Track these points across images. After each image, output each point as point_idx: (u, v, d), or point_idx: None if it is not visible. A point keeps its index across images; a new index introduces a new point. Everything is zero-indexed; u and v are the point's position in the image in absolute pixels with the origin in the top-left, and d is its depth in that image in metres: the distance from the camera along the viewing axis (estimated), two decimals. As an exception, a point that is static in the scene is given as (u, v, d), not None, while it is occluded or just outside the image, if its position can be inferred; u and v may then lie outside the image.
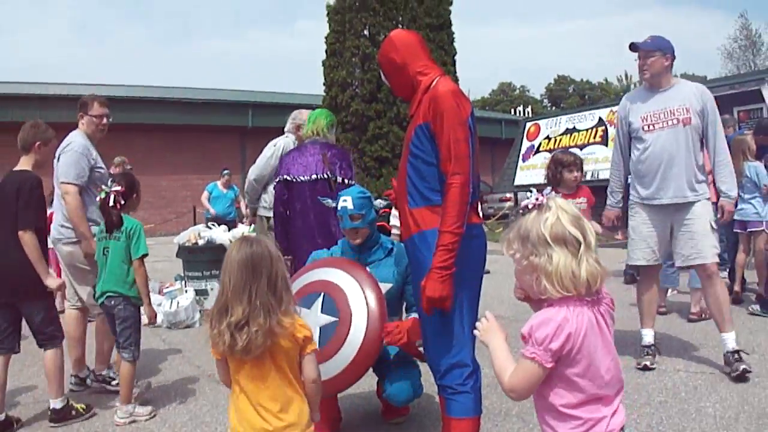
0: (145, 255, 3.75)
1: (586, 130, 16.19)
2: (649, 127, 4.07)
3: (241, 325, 1.98)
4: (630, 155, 4.23)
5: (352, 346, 2.93)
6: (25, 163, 3.82)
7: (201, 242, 7.10)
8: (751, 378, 3.79)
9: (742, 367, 3.74)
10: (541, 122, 18.22)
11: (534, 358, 1.59)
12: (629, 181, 4.31)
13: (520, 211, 1.71)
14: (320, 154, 4.65)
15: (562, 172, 4.43)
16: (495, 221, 15.02)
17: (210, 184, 11.81)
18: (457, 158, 2.38)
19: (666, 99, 4.05)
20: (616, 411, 1.65)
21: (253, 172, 5.29)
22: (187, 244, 7.09)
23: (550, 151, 16.25)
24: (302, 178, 4.62)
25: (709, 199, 4.05)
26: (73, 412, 3.69)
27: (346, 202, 3.28)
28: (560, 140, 16.99)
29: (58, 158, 4.18)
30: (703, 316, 5.35)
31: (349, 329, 2.95)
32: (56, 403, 3.65)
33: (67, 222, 4.17)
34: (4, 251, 3.60)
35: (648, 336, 4.25)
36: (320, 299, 3.04)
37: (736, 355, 3.83)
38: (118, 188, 3.73)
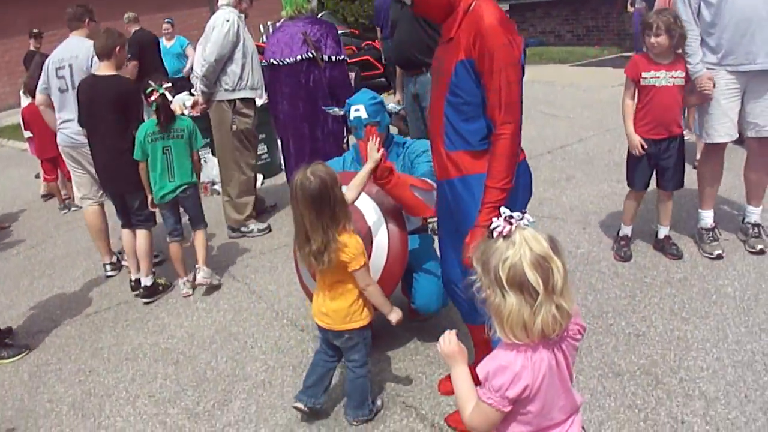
0: None
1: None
2: None
3: (321, 251, 2.41)
4: (699, 12, 3.56)
5: (375, 268, 2.87)
6: (109, 68, 4.12)
7: (186, 113, 6.80)
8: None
9: (760, 246, 3.72)
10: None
11: (491, 405, 1.50)
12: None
13: (488, 233, 1.49)
14: (301, 32, 4.26)
15: (646, 35, 3.62)
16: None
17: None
18: (507, 105, 2.12)
19: None
20: (568, 429, 1.61)
21: (212, 53, 4.68)
22: (173, 117, 6.76)
23: None
24: (287, 60, 4.29)
25: None
26: (160, 288, 4.28)
27: (359, 111, 3.08)
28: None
29: None
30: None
31: (371, 248, 2.88)
32: (147, 281, 4.20)
33: None
34: (112, 152, 4.09)
35: (710, 218, 3.90)
36: None
37: (757, 230, 3.79)
38: (169, 85, 4.09)
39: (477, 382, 1.60)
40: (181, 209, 4.22)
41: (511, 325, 1.44)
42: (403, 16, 4.45)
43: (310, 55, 4.27)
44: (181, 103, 6.82)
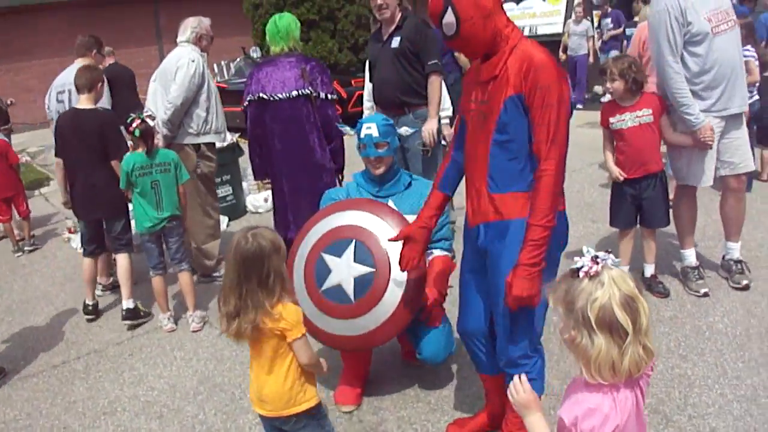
0: None
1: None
2: (715, 29, 3.53)
3: (233, 316, 2.14)
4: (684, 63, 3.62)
5: (393, 299, 2.79)
6: (89, 101, 4.25)
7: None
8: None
9: (745, 282, 3.81)
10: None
11: None
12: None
13: (570, 272, 1.48)
14: (298, 68, 4.19)
15: (604, 81, 3.81)
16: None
17: None
18: (554, 141, 2.10)
19: None
20: None
21: (179, 96, 4.50)
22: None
23: (516, 1, 15.65)
24: (280, 95, 4.19)
25: None
26: (141, 313, 4.32)
27: (370, 129, 3.04)
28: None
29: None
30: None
31: (388, 281, 2.79)
32: (129, 303, 4.25)
33: None
34: (92, 179, 4.20)
35: (693, 256, 3.97)
36: (352, 247, 2.83)
37: (740, 266, 3.89)
38: (150, 113, 4.20)
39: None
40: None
41: (599, 366, 1.41)
42: (383, 55, 4.44)
43: (307, 92, 4.20)
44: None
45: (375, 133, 3.02)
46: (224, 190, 6.52)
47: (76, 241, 5.96)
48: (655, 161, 3.79)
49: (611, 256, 1.47)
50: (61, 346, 4.11)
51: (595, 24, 13.40)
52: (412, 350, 3.32)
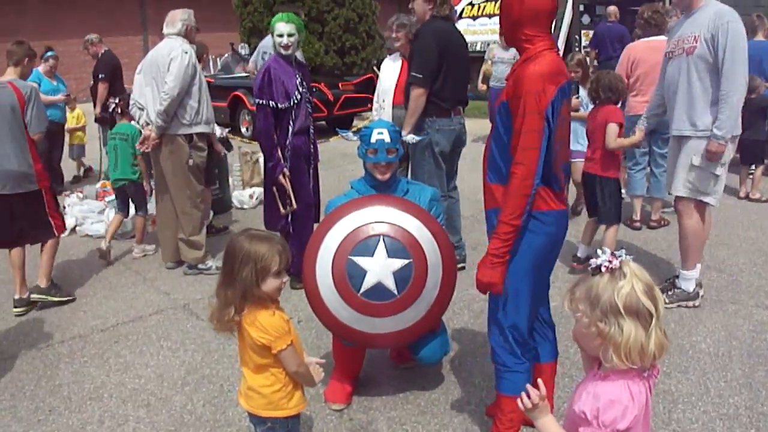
0: None
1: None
2: (668, 54, 3.90)
3: (219, 308, 2.14)
4: None
5: (435, 280, 2.84)
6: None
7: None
8: (727, 304, 4.06)
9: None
10: (465, -14, 17.51)
11: None
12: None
13: (590, 270, 1.60)
14: (304, 69, 4.38)
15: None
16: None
17: (33, 71, 6.41)
18: (523, 149, 2.26)
19: (688, 24, 3.83)
20: None
21: (175, 87, 4.52)
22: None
23: (473, 17, 15.80)
24: (298, 97, 4.33)
25: (704, 134, 3.77)
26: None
27: (382, 134, 3.08)
28: (484, 7, 16.45)
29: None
30: (662, 223, 5.59)
31: (426, 267, 2.82)
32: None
33: None
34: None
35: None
36: (381, 243, 2.81)
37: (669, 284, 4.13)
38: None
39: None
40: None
41: (629, 350, 1.51)
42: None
43: (311, 93, 4.42)
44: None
45: (387, 138, 3.05)
46: (211, 185, 6.47)
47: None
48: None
49: (623, 251, 1.60)
50: (44, 329, 4.05)
51: (583, 43, 13.45)
52: (401, 352, 3.36)
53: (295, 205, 4.39)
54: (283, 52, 4.36)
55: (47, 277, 4.41)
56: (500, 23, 2.47)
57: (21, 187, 4.14)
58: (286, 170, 4.31)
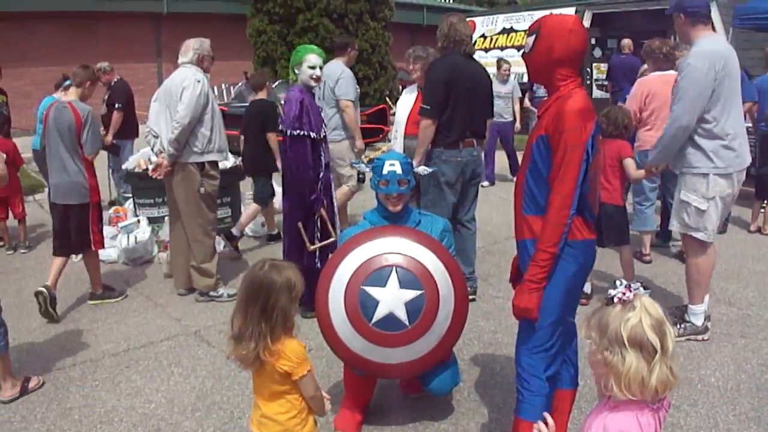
0: None
1: (524, 31, 15.96)
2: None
3: (237, 339, 2.16)
4: None
5: (446, 312, 2.88)
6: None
7: (151, 167, 6.63)
8: (736, 338, 4.06)
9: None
10: (477, 20, 17.77)
11: None
12: None
13: (605, 301, 1.67)
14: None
15: None
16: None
17: (46, 99, 6.65)
18: (562, 180, 2.38)
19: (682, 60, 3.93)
20: None
21: (186, 116, 4.60)
22: (137, 170, 6.60)
23: (485, 50, 16.02)
24: (324, 130, 4.50)
25: (687, 170, 3.88)
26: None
27: (394, 165, 3.13)
28: (497, 39, 16.72)
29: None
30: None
31: (438, 298, 2.85)
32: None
33: None
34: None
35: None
36: (393, 274, 2.85)
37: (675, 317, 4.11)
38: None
39: None
40: None
41: (628, 381, 1.55)
42: None
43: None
44: (146, 157, 6.67)
45: (399, 170, 3.11)
46: (223, 212, 6.55)
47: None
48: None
49: (640, 285, 1.65)
50: (56, 353, 4.09)
51: (594, 75, 13.50)
52: (411, 382, 3.37)
53: (334, 236, 4.39)
54: (312, 83, 4.43)
55: (99, 284, 4.95)
56: (530, 61, 2.53)
57: (75, 198, 4.63)
58: (326, 202, 4.36)
